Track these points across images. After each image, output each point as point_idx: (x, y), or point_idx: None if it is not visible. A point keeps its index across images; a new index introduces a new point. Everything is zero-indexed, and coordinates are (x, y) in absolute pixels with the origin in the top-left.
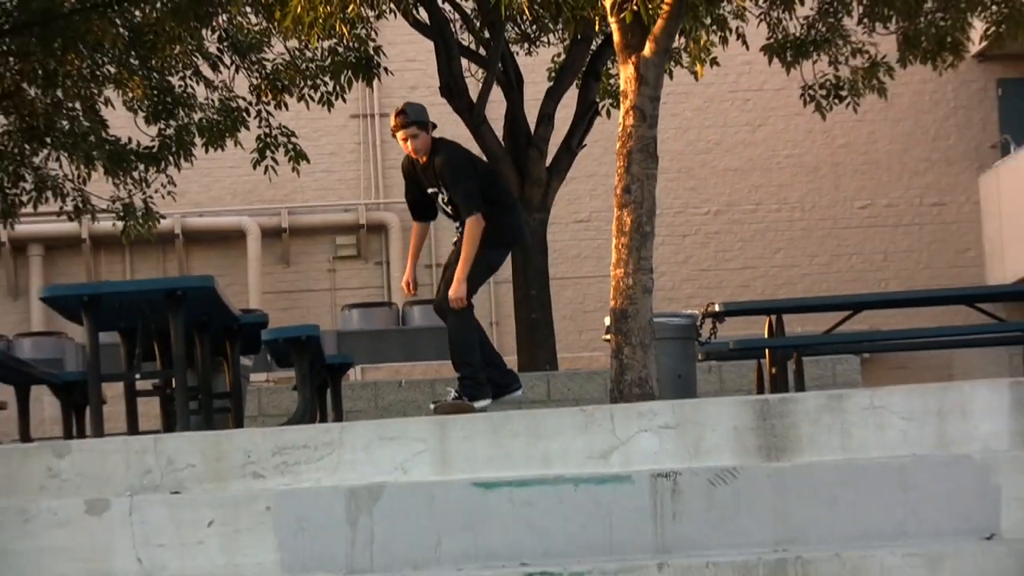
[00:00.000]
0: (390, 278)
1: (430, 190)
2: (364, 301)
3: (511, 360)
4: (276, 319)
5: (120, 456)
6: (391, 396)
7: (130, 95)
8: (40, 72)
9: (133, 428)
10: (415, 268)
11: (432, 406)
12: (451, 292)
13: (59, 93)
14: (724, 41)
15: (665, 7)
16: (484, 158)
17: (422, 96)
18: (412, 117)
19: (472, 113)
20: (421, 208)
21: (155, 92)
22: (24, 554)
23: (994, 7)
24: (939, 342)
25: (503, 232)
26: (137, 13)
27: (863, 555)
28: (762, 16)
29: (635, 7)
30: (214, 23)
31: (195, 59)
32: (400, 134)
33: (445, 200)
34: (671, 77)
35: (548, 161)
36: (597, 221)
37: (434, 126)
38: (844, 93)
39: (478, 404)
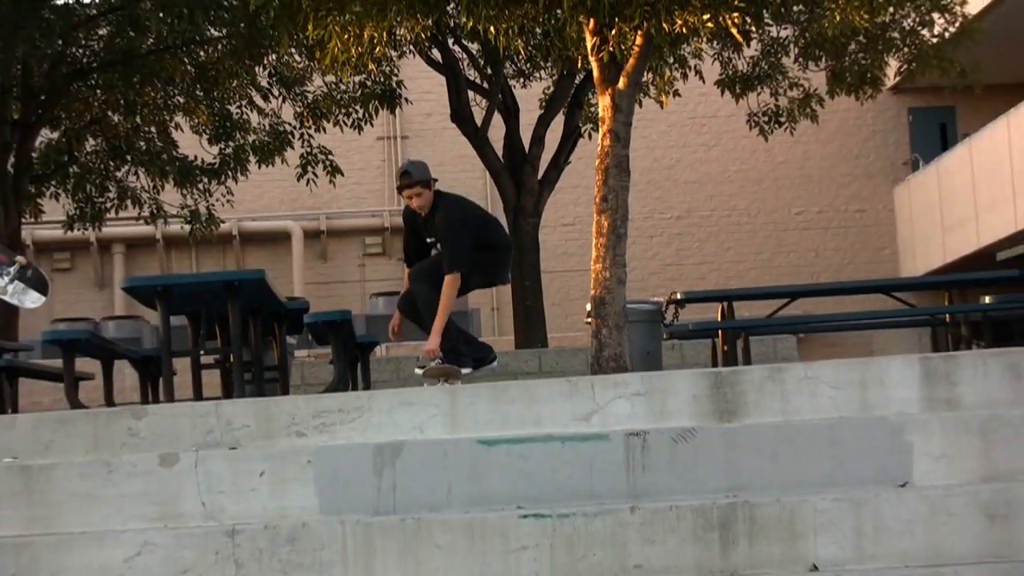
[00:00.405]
0: None
1: (429, 240)
2: (388, 290)
3: (509, 339)
4: (316, 305)
5: (187, 418)
6: (410, 369)
7: (196, 121)
8: (122, 102)
9: (198, 395)
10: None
11: (418, 370)
12: (427, 345)
13: (137, 119)
14: (684, 76)
15: (636, 48)
16: (488, 174)
17: (435, 121)
18: (416, 177)
19: (477, 135)
20: (415, 256)
21: (216, 118)
22: (108, 499)
23: (905, 49)
24: (861, 324)
25: (490, 266)
26: (202, 53)
27: (799, 500)
28: (716, 56)
29: (611, 48)
30: (265, 61)
31: (249, 91)
32: (405, 193)
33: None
34: (640, 106)
35: (540, 175)
36: (580, 224)
37: (435, 180)
38: (783, 119)
39: (463, 371)
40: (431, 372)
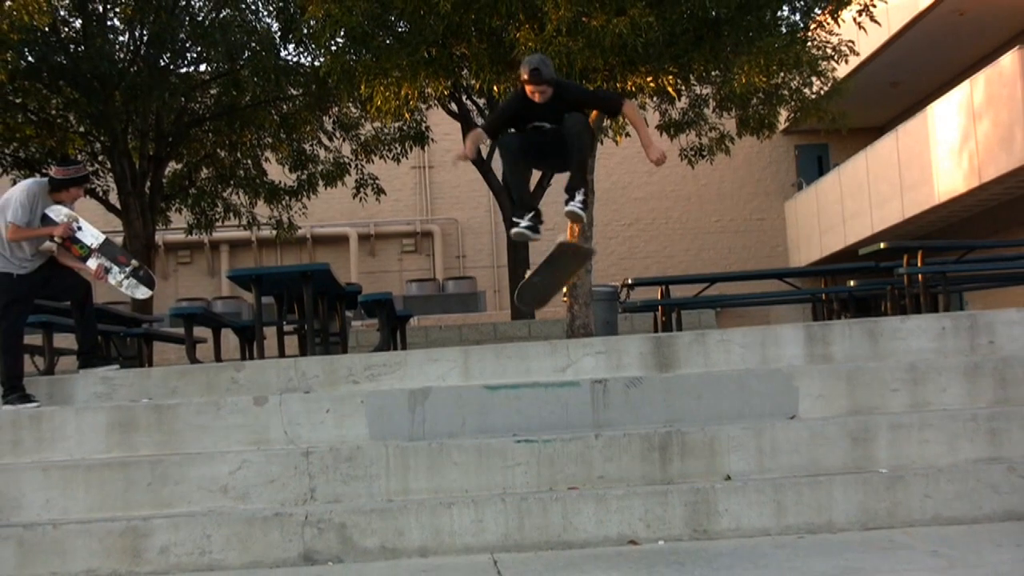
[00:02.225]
0: (435, 265)
1: (538, 124)
2: (419, 278)
3: (506, 313)
4: (366, 289)
5: (273, 371)
6: (435, 335)
7: (280, 155)
8: (227, 142)
9: (281, 354)
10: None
11: (562, 239)
12: (660, 154)
13: (238, 154)
14: None
15: None
16: (492, 193)
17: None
18: (546, 76)
19: (483, 165)
20: (498, 132)
21: (294, 153)
22: (217, 429)
23: (792, 102)
24: (762, 301)
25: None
26: (284, 107)
27: (717, 429)
28: (656, 107)
29: None
30: (330, 112)
31: (318, 134)
32: (533, 88)
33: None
34: (602, 143)
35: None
36: (558, 232)
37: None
38: (704, 153)
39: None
40: (567, 247)
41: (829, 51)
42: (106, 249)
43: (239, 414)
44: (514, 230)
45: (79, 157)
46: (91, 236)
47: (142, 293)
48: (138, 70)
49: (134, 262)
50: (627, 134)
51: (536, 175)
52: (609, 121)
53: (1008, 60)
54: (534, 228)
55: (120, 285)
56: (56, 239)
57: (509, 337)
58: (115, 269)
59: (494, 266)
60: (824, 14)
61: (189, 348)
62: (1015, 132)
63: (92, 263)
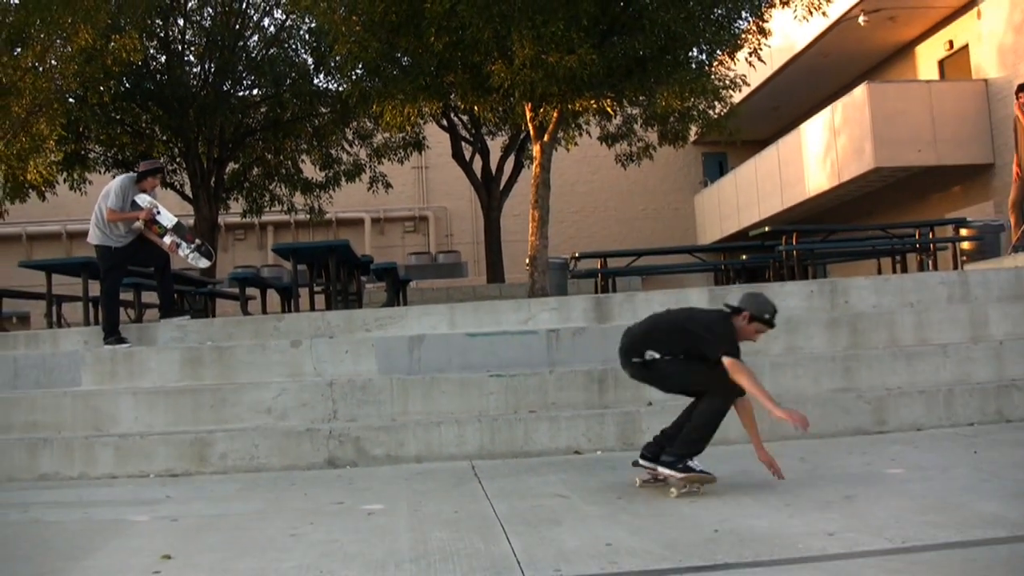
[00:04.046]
0: (429, 242)
1: None
2: (417, 252)
3: (483, 278)
4: (377, 259)
5: (306, 321)
6: (429, 295)
7: (312, 157)
8: (273, 148)
9: (312, 308)
10: None
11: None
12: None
13: (281, 157)
14: (581, 133)
15: (553, 119)
16: (472, 188)
17: (443, 159)
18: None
19: (466, 166)
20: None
21: (324, 156)
22: (263, 365)
23: (700, 120)
24: (676, 270)
25: None
26: (316, 121)
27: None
28: (597, 123)
29: (540, 119)
30: (351, 125)
31: (342, 142)
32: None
33: None
34: (556, 150)
35: (501, 188)
36: (523, 216)
37: None
38: (634, 158)
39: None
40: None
41: (727, 82)
42: (178, 229)
43: (279, 353)
44: None
45: (161, 158)
46: (167, 219)
47: (203, 264)
48: (207, 94)
49: (197, 240)
50: (575, 143)
51: None
52: (561, 133)
53: (859, 91)
54: None
55: (187, 258)
56: (141, 221)
57: (485, 297)
58: (184, 245)
59: (475, 243)
60: (724, 55)
61: (242, 303)
62: (864, 145)
63: (167, 239)
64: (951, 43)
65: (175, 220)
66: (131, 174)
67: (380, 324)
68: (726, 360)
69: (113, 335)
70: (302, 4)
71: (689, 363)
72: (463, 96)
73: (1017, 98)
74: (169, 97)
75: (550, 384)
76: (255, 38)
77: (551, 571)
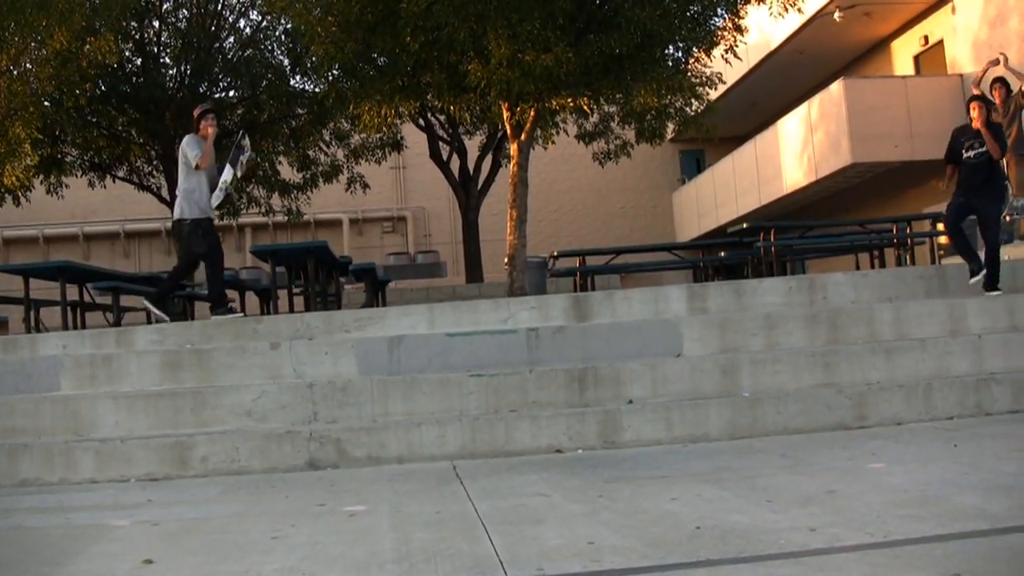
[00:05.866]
0: (408, 242)
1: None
2: (395, 252)
3: (461, 278)
4: (356, 260)
5: (285, 323)
6: (408, 295)
7: (290, 158)
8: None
9: (291, 310)
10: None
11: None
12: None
13: (258, 159)
14: (558, 132)
15: (530, 117)
16: (450, 188)
17: (421, 159)
18: (989, 107)
19: (444, 166)
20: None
21: (301, 157)
22: (243, 368)
23: (677, 118)
24: (655, 268)
25: None
26: (293, 122)
27: (622, 364)
28: (574, 121)
29: (517, 118)
30: (328, 126)
31: (319, 143)
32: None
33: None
34: (533, 149)
35: (479, 187)
36: (502, 215)
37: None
38: (611, 156)
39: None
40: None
41: (704, 79)
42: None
43: (259, 356)
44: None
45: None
46: (229, 173)
47: (222, 205)
48: (183, 95)
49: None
50: (552, 141)
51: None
52: (539, 132)
53: (835, 87)
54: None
55: (217, 198)
56: (231, 175)
57: (464, 296)
58: (220, 193)
59: (453, 242)
60: (700, 51)
61: None
62: (840, 141)
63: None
64: (926, 38)
65: (228, 179)
66: (191, 133)
67: (359, 325)
68: None
69: (223, 305)
70: (277, 5)
71: None
72: (440, 96)
73: (992, 91)
74: (145, 99)
75: (530, 383)
76: (231, 40)
77: (533, 570)
